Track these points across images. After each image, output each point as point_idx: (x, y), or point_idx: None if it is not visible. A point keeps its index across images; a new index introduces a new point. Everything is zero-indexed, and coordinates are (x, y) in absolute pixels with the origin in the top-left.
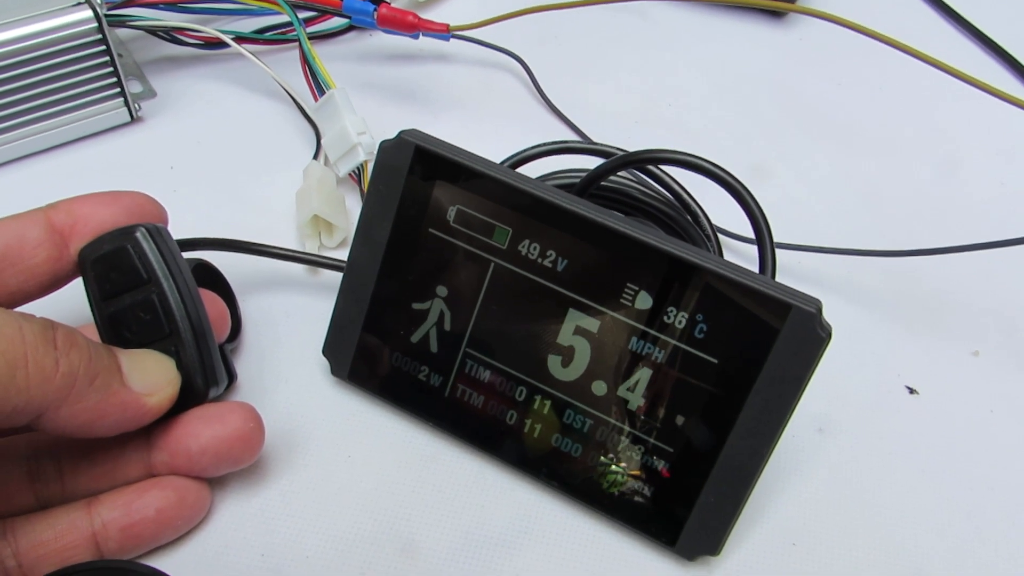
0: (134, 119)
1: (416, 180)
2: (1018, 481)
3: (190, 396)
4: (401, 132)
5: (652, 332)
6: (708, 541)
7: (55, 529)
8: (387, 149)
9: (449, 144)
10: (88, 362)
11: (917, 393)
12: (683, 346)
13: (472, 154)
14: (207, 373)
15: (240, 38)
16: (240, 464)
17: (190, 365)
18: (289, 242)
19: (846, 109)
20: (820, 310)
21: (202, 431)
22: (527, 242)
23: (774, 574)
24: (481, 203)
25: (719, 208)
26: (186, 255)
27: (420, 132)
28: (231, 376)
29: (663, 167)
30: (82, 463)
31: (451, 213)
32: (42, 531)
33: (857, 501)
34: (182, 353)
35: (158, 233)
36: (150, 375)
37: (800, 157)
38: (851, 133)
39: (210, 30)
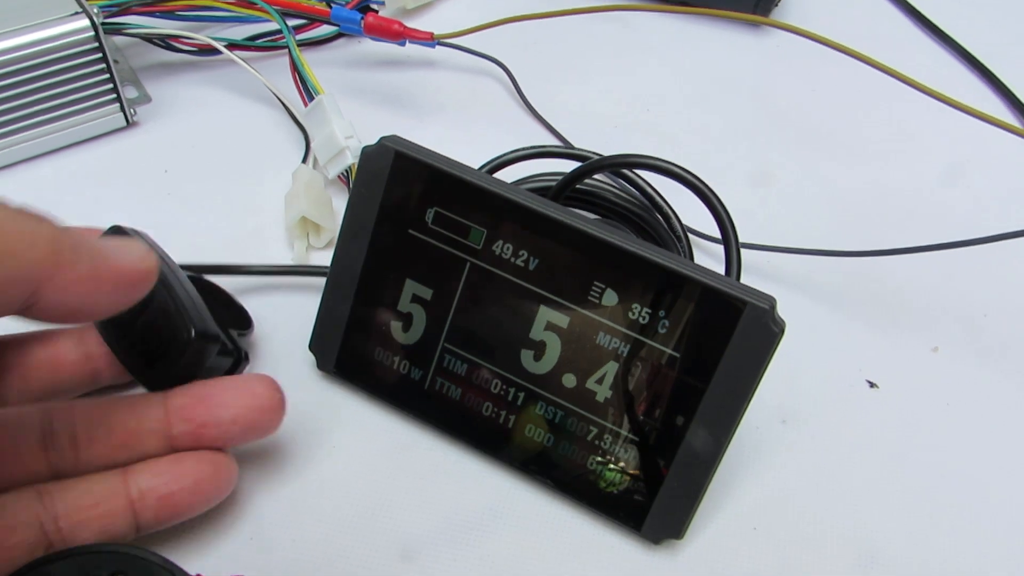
0: (130, 124)
1: (396, 184)
2: (971, 471)
3: (216, 366)
4: (382, 138)
5: (618, 327)
6: (672, 525)
7: (93, 495)
8: (369, 154)
9: (427, 150)
10: (64, 230)
11: (877, 387)
12: (646, 341)
13: (449, 159)
14: (231, 347)
15: (232, 45)
16: (266, 434)
17: (211, 338)
18: (279, 242)
19: (818, 115)
20: (774, 307)
21: (232, 401)
22: (501, 242)
23: (736, 556)
24: (457, 206)
25: (690, 210)
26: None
27: (400, 138)
28: (246, 357)
29: (636, 171)
30: (98, 432)
31: (429, 215)
32: (80, 496)
33: (817, 489)
34: (196, 328)
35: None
36: (130, 247)
37: (771, 161)
38: (821, 138)
39: (203, 37)
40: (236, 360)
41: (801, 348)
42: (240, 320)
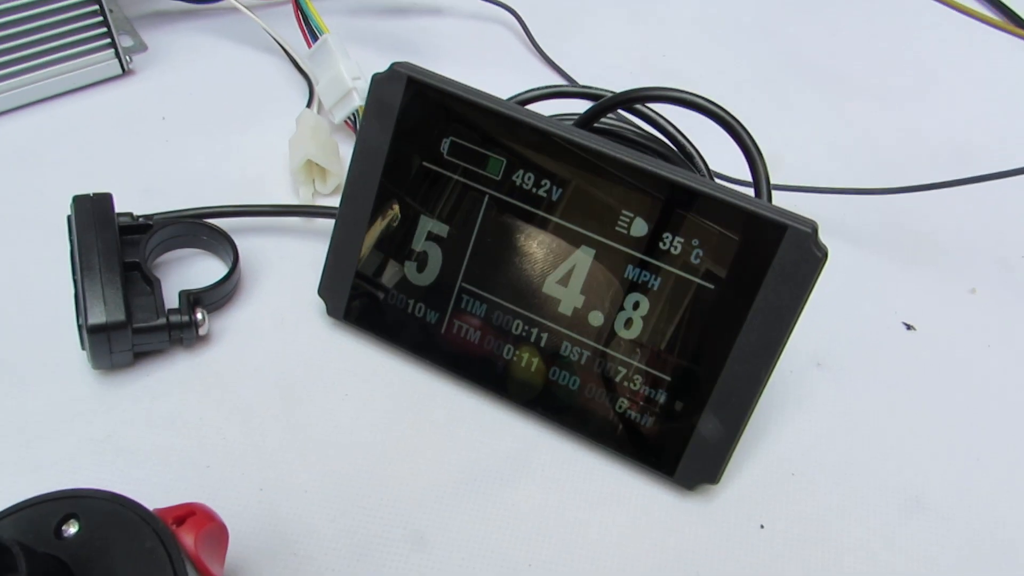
0: (125, 72)
1: (409, 112)
2: (1015, 412)
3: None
4: (393, 64)
5: (648, 259)
6: (707, 470)
7: None
8: (380, 81)
9: (442, 76)
10: None
11: (914, 329)
12: (679, 272)
13: (465, 85)
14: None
15: None
16: None
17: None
18: (283, 189)
19: (839, 55)
20: (816, 230)
21: None
22: (521, 172)
23: (774, 502)
24: (475, 134)
25: (712, 154)
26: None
27: (413, 64)
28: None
29: (656, 109)
30: None
31: (444, 145)
32: None
33: (856, 433)
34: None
35: (88, 203)
36: None
37: (794, 102)
38: (844, 78)
39: None
40: (179, 331)
41: (834, 290)
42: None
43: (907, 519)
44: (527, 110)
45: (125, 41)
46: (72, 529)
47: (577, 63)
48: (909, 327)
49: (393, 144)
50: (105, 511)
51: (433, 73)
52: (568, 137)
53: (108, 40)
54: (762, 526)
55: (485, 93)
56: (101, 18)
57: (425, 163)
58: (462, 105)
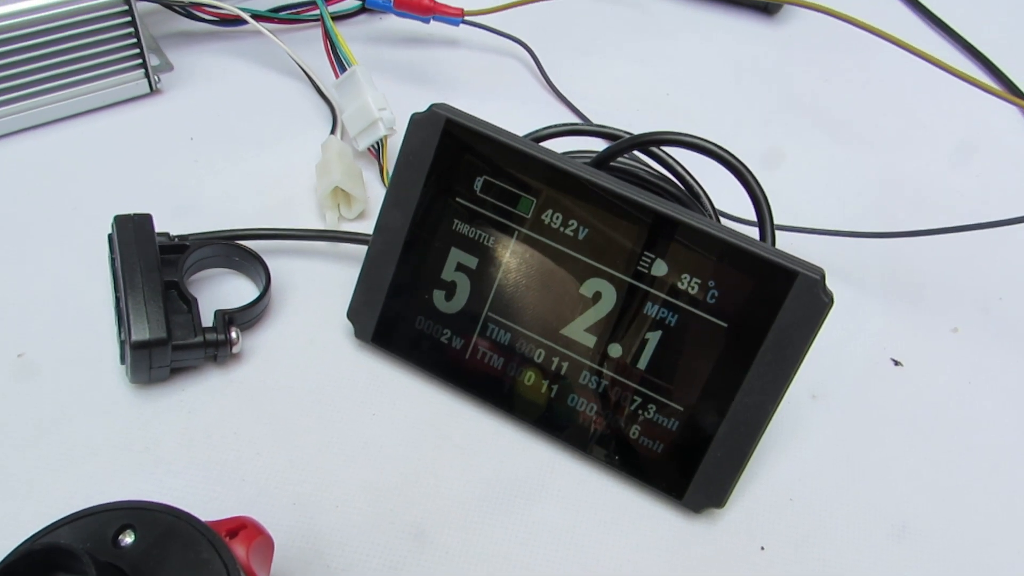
0: (153, 91)
1: (445, 151)
2: (994, 444)
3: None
4: (432, 105)
5: (666, 298)
6: (714, 494)
7: None
8: (418, 121)
9: (477, 118)
10: None
11: (902, 365)
12: (695, 311)
13: (500, 128)
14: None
15: (256, 16)
16: None
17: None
18: (309, 212)
19: (833, 101)
20: (823, 277)
21: None
22: (550, 212)
23: (774, 526)
24: (507, 174)
25: (717, 194)
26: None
27: (450, 106)
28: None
29: (667, 150)
30: None
31: (478, 183)
32: None
33: (848, 461)
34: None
35: (130, 223)
36: None
37: (790, 146)
38: (838, 123)
39: (229, 7)
40: (214, 349)
41: (829, 326)
42: (255, 273)
43: (894, 543)
44: (558, 154)
45: (152, 60)
46: (128, 539)
47: (586, 98)
48: (897, 363)
49: (428, 180)
50: (161, 522)
51: (470, 115)
52: (596, 182)
53: (139, 60)
54: (763, 548)
55: (519, 136)
56: (135, 39)
57: (458, 199)
58: (497, 147)
